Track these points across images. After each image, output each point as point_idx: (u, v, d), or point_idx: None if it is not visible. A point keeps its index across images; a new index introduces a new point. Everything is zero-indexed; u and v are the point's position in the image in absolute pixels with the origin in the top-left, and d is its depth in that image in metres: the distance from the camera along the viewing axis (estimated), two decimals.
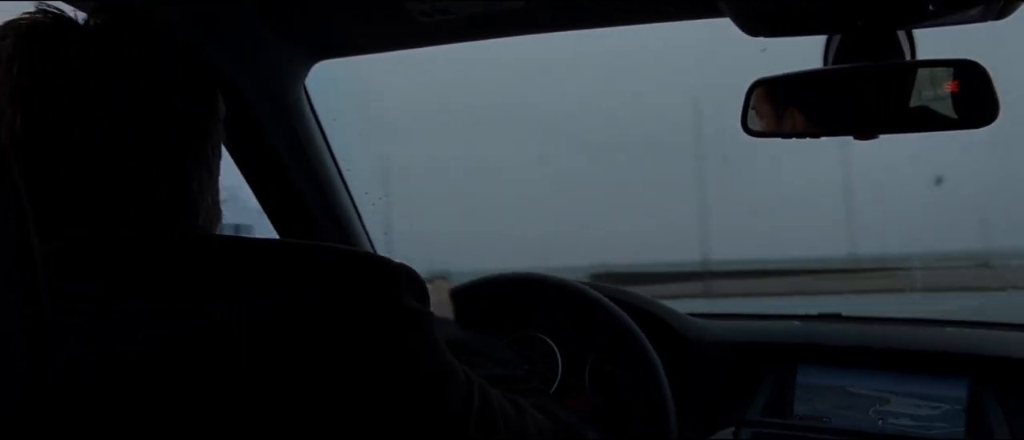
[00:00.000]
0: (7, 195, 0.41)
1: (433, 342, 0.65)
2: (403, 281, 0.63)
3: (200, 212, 0.69)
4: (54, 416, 0.52)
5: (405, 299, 0.63)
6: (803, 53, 1.03)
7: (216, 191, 0.72)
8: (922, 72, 0.97)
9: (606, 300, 1.27)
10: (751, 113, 1.02)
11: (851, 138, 1.01)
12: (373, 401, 0.59)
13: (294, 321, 0.58)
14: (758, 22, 0.97)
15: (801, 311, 1.63)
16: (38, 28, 0.63)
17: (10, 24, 0.63)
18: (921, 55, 1.00)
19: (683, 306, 1.60)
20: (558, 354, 1.49)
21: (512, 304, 1.48)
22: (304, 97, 1.25)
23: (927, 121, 0.97)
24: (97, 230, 0.62)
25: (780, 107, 1.02)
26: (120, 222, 0.63)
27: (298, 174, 1.29)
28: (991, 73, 0.92)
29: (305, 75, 1.23)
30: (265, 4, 1.02)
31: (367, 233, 1.49)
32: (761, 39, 1.00)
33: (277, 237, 1.39)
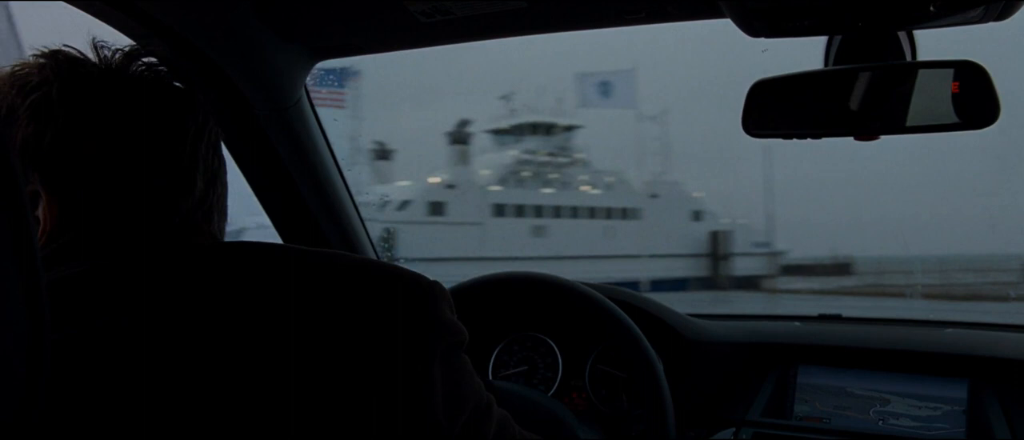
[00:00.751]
0: (9, 197, 0.41)
1: (463, 357, 0.67)
2: (442, 295, 0.66)
3: (214, 217, 0.71)
4: (54, 416, 0.52)
5: (444, 311, 0.65)
6: (805, 53, 1.04)
7: (223, 192, 0.74)
8: (923, 73, 0.97)
9: (606, 300, 1.27)
10: (752, 114, 1.02)
11: None
12: (394, 406, 0.60)
13: (328, 327, 0.59)
14: (759, 23, 0.97)
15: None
16: (71, 59, 0.66)
17: (46, 55, 0.66)
18: (922, 56, 1.00)
19: (688, 306, 1.61)
20: (558, 354, 1.49)
21: (513, 304, 1.48)
22: (305, 97, 1.25)
23: (927, 122, 0.97)
24: (120, 251, 0.63)
25: (781, 108, 1.02)
26: (139, 228, 0.64)
27: (299, 174, 1.29)
28: (991, 74, 0.92)
29: (305, 75, 1.23)
30: (265, 5, 1.02)
31: (367, 232, 1.49)
32: (762, 40, 1.00)
33: (283, 241, 1.39)
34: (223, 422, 0.56)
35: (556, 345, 1.50)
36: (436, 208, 31.90)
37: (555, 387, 1.47)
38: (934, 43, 0.99)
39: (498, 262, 30.18)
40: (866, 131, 1.01)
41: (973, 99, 0.93)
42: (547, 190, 34.86)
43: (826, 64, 1.02)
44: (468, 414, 0.65)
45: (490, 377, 1.49)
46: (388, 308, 0.62)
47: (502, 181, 34.14)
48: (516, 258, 31.20)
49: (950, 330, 1.49)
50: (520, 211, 33.74)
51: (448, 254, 29.21)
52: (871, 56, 0.98)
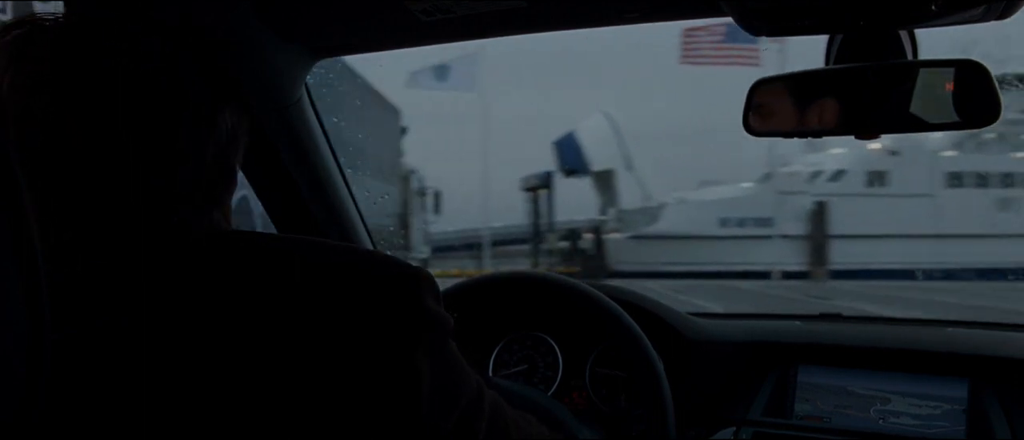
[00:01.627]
0: (9, 197, 0.40)
1: (450, 344, 0.66)
2: (427, 284, 0.64)
3: (215, 201, 0.69)
4: (54, 416, 0.52)
5: (428, 301, 0.64)
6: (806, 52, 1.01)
7: (223, 174, 0.70)
8: (924, 72, 0.97)
9: (607, 299, 1.27)
10: (752, 113, 1.02)
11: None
12: (392, 390, 0.60)
13: (324, 312, 0.59)
14: (760, 21, 0.97)
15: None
16: (32, 36, 0.63)
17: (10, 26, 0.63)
18: (922, 55, 1.00)
19: (684, 305, 1.60)
20: (559, 353, 1.49)
21: (514, 303, 1.48)
22: (305, 96, 1.25)
23: (928, 121, 0.97)
24: (118, 250, 0.62)
25: (782, 107, 1.02)
26: (124, 218, 0.63)
27: (300, 173, 1.29)
28: (992, 73, 0.92)
29: (306, 74, 1.22)
30: (265, 5, 1.02)
31: (368, 232, 1.49)
32: (763, 39, 1.00)
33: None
34: (219, 419, 0.56)
35: (557, 344, 1.49)
36: (876, 178, 27.31)
37: (555, 386, 1.47)
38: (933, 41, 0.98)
39: (951, 240, 25.56)
40: (867, 130, 1.01)
41: (974, 98, 0.94)
42: (1020, 155, 28.14)
43: (827, 63, 1.02)
44: (462, 410, 0.65)
45: (490, 376, 1.49)
46: (369, 297, 0.61)
47: (957, 145, 28.27)
48: (976, 235, 25.93)
49: (951, 329, 1.50)
50: (982, 180, 27.99)
51: (890, 231, 25.31)
52: (872, 55, 0.98)
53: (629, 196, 28.82)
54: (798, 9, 0.94)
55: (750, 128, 1.03)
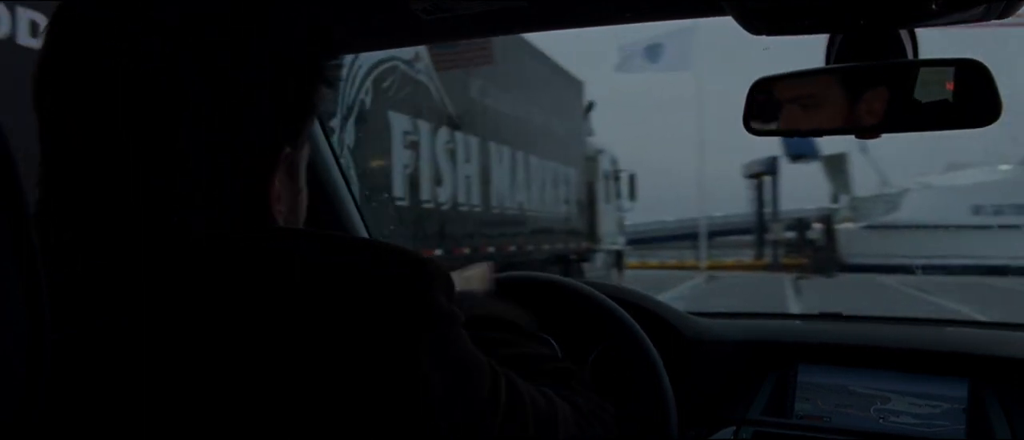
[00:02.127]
0: (9, 197, 0.40)
1: (459, 338, 0.65)
2: (434, 277, 0.63)
3: (215, 205, 0.66)
4: (54, 416, 0.52)
5: (436, 296, 0.62)
6: (807, 52, 0.99)
7: (257, 174, 0.68)
8: (924, 71, 0.97)
9: (607, 299, 1.27)
10: (753, 112, 1.02)
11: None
12: (396, 395, 0.59)
13: (323, 312, 0.58)
14: (760, 21, 0.97)
15: None
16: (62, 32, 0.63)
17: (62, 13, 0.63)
18: (923, 54, 1.00)
19: (685, 304, 1.60)
20: (559, 353, 1.49)
21: (514, 303, 1.48)
22: None
23: (929, 120, 0.98)
24: (111, 250, 0.61)
25: (782, 106, 1.02)
26: (124, 218, 0.63)
27: None
28: (993, 72, 0.92)
29: None
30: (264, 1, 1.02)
31: (367, 229, 1.49)
32: (763, 38, 1.00)
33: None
34: (220, 421, 0.56)
35: (556, 344, 1.49)
36: None
37: None
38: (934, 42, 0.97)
39: None
40: (867, 129, 1.01)
41: (974, 97, 0.94)
42: None
43: (827, 63, 1.02)
44: (474, 407, 0.63)
45: None
46: (373, 295, 0.59)
47: None
48: None
49: (951, 329, 1.50)
50: None
51: None
52: (872, 54, 0.98)
53: (864, 182, 26.44)
54: (798, 9, 0.94)
55: (750, 128, 1.03)
